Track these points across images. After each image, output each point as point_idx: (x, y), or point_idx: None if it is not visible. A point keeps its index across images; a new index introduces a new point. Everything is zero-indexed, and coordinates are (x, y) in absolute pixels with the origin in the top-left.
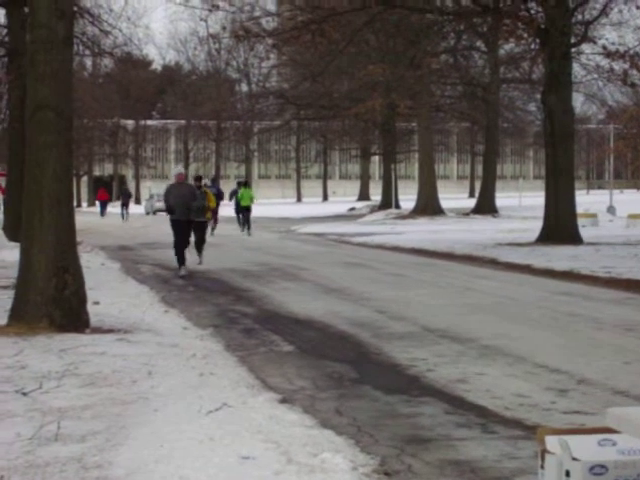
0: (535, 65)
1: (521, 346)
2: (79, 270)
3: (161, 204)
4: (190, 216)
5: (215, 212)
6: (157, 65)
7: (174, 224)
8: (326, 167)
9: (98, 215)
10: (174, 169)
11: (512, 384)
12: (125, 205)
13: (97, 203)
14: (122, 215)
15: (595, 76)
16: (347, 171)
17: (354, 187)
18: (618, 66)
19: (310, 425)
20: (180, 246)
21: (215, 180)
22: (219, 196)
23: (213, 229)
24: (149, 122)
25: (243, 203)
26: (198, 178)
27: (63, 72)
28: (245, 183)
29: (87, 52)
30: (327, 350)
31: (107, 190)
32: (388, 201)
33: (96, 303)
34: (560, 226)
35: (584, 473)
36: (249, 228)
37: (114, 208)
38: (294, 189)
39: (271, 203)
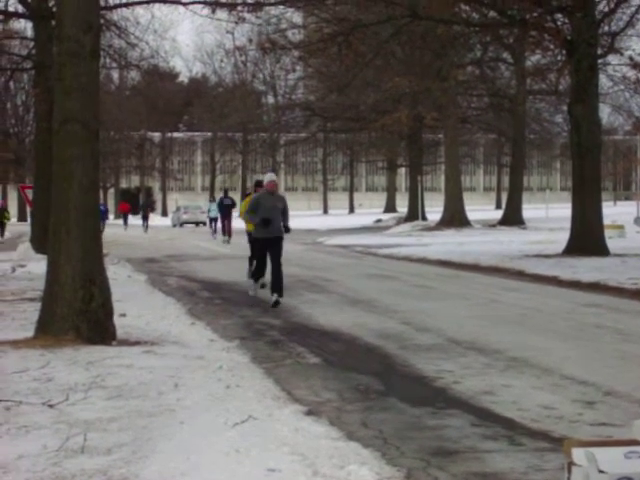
0: (562, 77)
1: (548, 358)
2: (106, 282)
3: (187, 216)
4: (279, 232)
5: (229, 222)
6: (184, 77)
7: (265, 242)
8: (352, 179)
9: (122, 227)
10: (266, 175)
11: (539, 396)
12: (145, 217)
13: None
14: (143, 226)
15: (622, 87)
16: (373, 183)
17: (380, 199)
18: None
19: (336, 437)
20: (264, 268)
21: (227, 192)
22: (233, 206)
23: (228, 240)
24: (176, 134)
25: None
26: (259, 183)
27: (90, 85)
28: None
29: (114, 65)
30: (353, 362)
31: (129, 202)
32: (414, 213)
33: (123, 315)
34: (587, 238)
35: None
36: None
37: (138, 220)
38: (320, 201)
39: (297, 215)
